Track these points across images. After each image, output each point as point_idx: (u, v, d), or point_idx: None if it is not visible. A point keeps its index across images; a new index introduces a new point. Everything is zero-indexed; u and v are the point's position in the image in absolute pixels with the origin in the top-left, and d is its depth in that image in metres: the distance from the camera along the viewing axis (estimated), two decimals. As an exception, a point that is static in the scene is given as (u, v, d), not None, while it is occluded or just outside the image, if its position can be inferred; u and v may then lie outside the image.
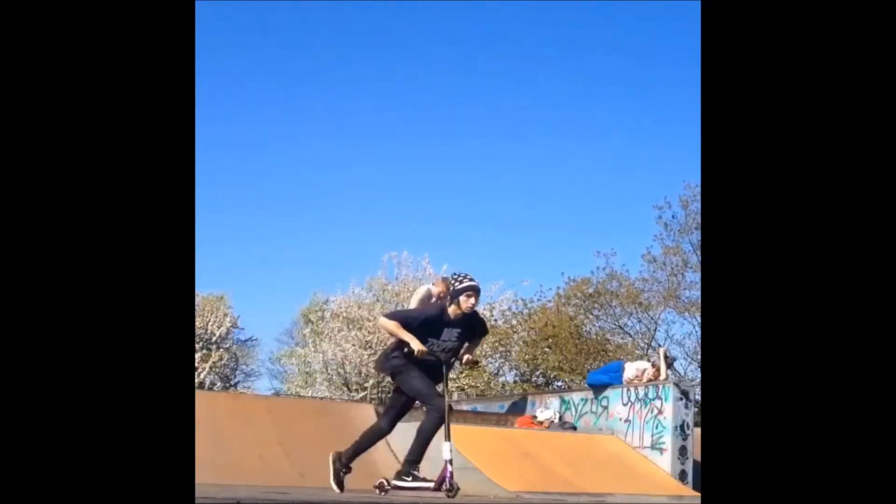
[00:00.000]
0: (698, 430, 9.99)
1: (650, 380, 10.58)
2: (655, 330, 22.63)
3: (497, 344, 23.63)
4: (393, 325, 6.26)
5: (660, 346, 19.97)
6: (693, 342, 21.41)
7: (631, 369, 10.97)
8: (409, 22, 45.76)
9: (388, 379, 22.28)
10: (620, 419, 10.37)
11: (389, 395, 6.72)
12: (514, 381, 23.98)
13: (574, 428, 10.79)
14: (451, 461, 5.90)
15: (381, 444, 8.69)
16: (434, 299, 9.13)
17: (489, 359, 24.31)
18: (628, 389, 10.45)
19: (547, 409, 11.17)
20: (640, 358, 14.66)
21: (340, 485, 6.32)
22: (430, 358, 6.16)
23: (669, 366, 11.32)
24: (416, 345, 6.03)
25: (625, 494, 8.51)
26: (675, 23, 40.38)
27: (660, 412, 9.91)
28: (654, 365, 11.04)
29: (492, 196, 47.90)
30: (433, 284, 9.95)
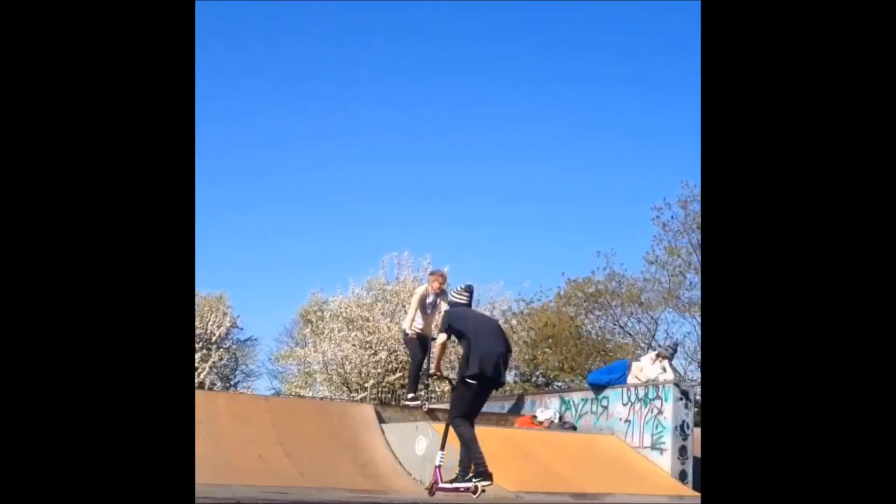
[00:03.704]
0: (698, 430, 9.98)
1: (661, 363, 10.78)
2: (655, 330, 22.62)
3: (497, 344, 23.60)
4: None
5: (660, 345, 19.98)
6: (693, 342, 21.39)
7: (646, 359, 11.18)
8: (410, 21, 45.81)
9: (388, 379, 22.43)
10: (620, 419, 10.37)
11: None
12: (514, 381, 23.95)
13: (574, 428, 10.79)
14: (439, 467, 6.78)
15: (381, 444, 8.71)
16: (432, 297, 9.85)
17: (489, 359, 24.22)
18: (628, 389, 10.46)
19: (547, 409, 11.17)
20: (640, 359, 14.75)
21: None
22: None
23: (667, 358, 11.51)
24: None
25: (625, 494, 8.51)
26: (676, 23, 40.41)
27: (660, 412, 9.92)
28: (660, 355, 11.23)
29: (492, 196, 47.94)
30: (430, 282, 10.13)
